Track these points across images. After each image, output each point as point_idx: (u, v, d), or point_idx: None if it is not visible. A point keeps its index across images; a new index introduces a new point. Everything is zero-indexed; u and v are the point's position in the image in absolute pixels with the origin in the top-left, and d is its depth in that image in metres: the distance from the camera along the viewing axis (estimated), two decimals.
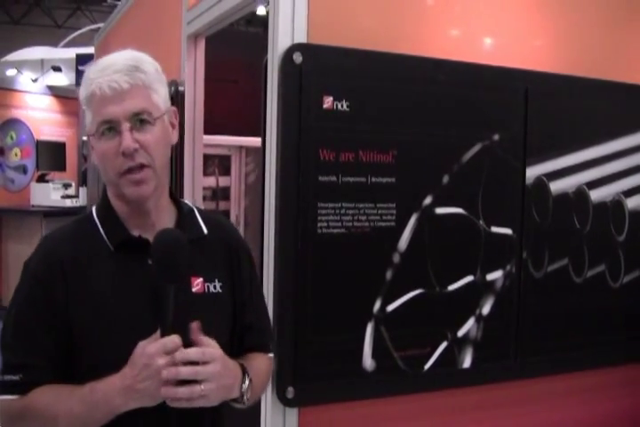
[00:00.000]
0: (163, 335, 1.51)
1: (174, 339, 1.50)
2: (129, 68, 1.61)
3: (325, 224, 2.40)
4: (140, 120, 1.61)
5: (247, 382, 1.65)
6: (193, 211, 1.83)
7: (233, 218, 4.94)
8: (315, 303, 2.41)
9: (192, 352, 1.50)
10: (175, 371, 1.47)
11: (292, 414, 2.43)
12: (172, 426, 1.61)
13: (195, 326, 1.54)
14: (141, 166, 1.61)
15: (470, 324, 2.69)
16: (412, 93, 2.56)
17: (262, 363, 1.84)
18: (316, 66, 2.37)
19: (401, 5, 2.60)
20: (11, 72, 11.10)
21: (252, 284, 1.87)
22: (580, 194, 2.96)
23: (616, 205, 3.07)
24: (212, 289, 1.74)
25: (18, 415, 1.61)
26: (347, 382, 2.49)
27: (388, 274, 2.51)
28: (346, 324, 2.47)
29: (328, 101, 2.39)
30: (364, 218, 2.47)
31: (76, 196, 9.23)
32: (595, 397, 3.12)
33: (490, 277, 2.73)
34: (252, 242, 4.83)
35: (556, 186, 2.89)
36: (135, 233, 1.69)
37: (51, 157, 9.52)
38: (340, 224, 2.42)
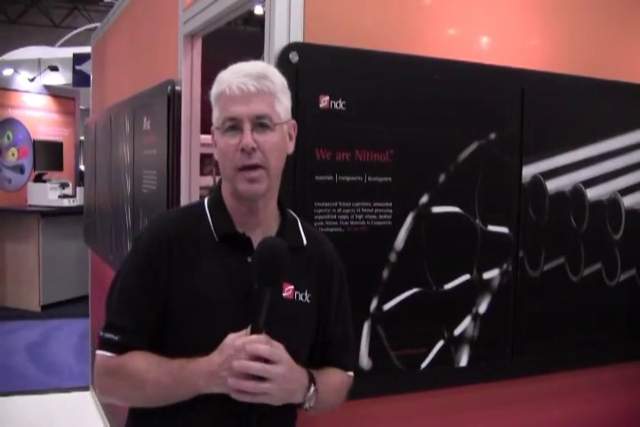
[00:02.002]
0: (253, 333, 1.60)
1: (262, 338, 1.59)
2: (259, 74, 1.74)
3: (322, 223, 2.40)
4: (260, 123, 1.73)
5: (312, 390, 1.73)
6: (296, 221, 1.94)
7: None
8: None
9: (262, 348, 1.58)
10: (246, 364, 1.57)
11: None
12: (251, 411, 1.70)
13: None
14: (256, 166, 1.73)
15: (467, 323, 2.70)
16: (408, 92, 2.56)
17: (336, 378, 1.93)
18: (313, 65, 2.37)
19: (398, 4, 2.60)
20: (7, 71, 11.11)
21: (340, 301, 1.95)
22: (577, 192, 2.97)
23: (612, 203, 3.08)
24: (300, 298, 1.82)
25: (112, 372, 1.74)
26: None
27: (385, 273, 2.51)
28: None
29: (324, 101, 2.40)
30: (360, 217, 2.47)
31: (74, 195, 9.24)
32: (592, 395, 3.13)
33: (486, 275, 2.73)
34: None
35: (553, 184, 2.89)
36: (240, 230, 1.79)
37: (48, 156, 9.52)
38: (336, 223, 2.43)
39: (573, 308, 3.00)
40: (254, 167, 1.73)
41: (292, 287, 1.80)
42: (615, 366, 3.15)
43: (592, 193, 3.01)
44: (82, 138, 9.44)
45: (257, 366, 1.57)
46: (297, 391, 1.69)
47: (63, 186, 9.24)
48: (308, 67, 2.36)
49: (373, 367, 2.52)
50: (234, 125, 1.73)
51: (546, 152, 2.87)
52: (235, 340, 1.61)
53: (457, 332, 2.68)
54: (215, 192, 1.89)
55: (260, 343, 1.58)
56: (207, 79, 3.47)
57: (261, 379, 1.59)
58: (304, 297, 1.83)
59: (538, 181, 2.85)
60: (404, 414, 2.65)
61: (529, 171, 2.82)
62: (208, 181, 4.85)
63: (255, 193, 1.76)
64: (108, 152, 5.05)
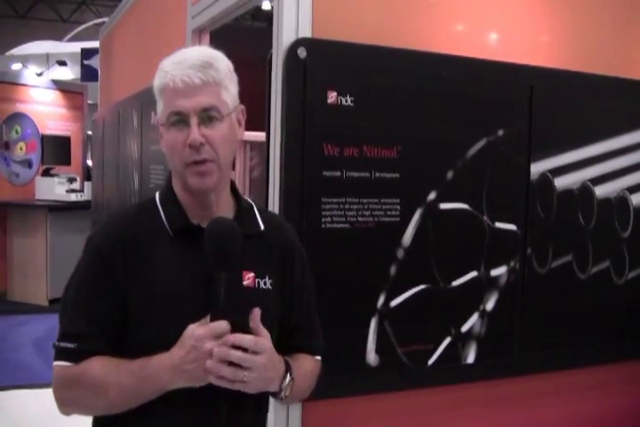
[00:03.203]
0: (212, 320, 1.56)
1: (222, 324, 1.55)
2: (202, 64, 1.67)
3: (329, 219, 2.40)
4: (208, 116, 1.67)
5: (288, 379, 1.69)
6: (252, 207, 1.88)
7: None
8: (318, 299, 2.41)
9: (246, 339, 1.55)
10: (226, 351, 1.53)
11: (296, 409, 2.43)
12: (219, 405, 1.65)
13: (256, 312, 1.60)
14: (205, 160, 1.68)
15: (474, 319, 2.69)
16: (416, 89, 2.56)
17: (308, 364, 1.89)
18: (321, 61, 2.37)
19: (406, 1, 2.60)
20: (16, 66, 11.13)
21: (303, 284, 1.91)
22: (585, 190, 2.96)
23: (620, 201, 3.07)
24: (262, 285, 1.78)
25: (71, 382, 1.68)
26: (350, 377, 2.49)
27: (392, 269, 2.51)
28: (350, 319, 2.48)
29: (332, 96, 2.39)
30: (368, 213, 2.47)
31: (81, 190, 9.24)
32: (598, 393, 3.13)
33: (494, 272, 2.73)
34: None
35: (561, 182, 2.89)
36: (195, 222, 1.75)
37: (56, 151, 9.53)
38: (344, 219, 2.42)
39: (581, 305, 2.99)
40: (204, 161, 1.68)
41: (252, 275, 1.76)
42: (622, 364, 3.14)
43: (600, 191, 3.00)
44: (89, 132, 9.45)
45: (237, 355, 1.54)
46: (274, 380, 1.65)
47: (71, 180, 9.24)
48: (316, 62, 2.36)
49: (381, 363, 2.51)
50: (180, 120, 1.67)
51: (554, 149, 2.86)
52: (194, 330, 1.56)
53: (464, 329, 2.68)
54: (166, 186, 1.85)
55: (216, 333, 1.54)
56: None
57: (241, 367, 1.55)
58: (265, 284, 1.78)
59: (546, 179, 2.84)
60: (411, 410, 2.65)
61: (537, 168, 2.82)
62: None
63: (207, 186, 1.71)
64: (116, 147, 5.06)
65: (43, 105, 9.88)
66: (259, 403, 1.78)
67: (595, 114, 2.99)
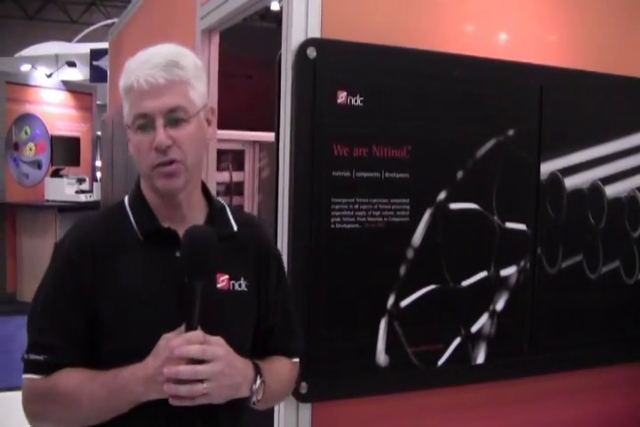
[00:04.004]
0: (187, 330, 1.52)
1: (198, 334, 1.51)
2: (168, 62, 1.61)
3: (339, 219, 2.39)
4: (174, 117, 1.61)
5: (258, 382, 1.64)
6: (224, 208, 1.83)
7: None
8: (328, 299, 2.41)
9: (193, 349, 1.49)
10: (174, 370, 1.47)
11: (306, 410, 2.43)
12: (194, 417, 1.61)
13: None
14: (172, 161, 1.62)
15: (484, 320, 2.69)
16: (426, 88, 2.55)
17: (284, 367, 1.84)
18: (330, 61, 2.37)
19: (415, 0, 2.59)
20: (25, 67, 11.16)
21: (279, 285, 1.86)
22: (595, 190, 2.95)
23: (631, 200, 3.06)
24: (237, 287, 1.73)
25: (41, 396, 1.63)
26: (360, 377, 2.49)
27: (402, 270, 2.51)
28: (359, 319, 2.47)
29: (342, 96, 2.39)
30: (377, 213, 2.46)
31: (90, 191, 9.27)
32: (608, 394, 3.11)
33: (504, 272, 2.72)
34: None
35: (571, 182, 2.88)
36: (165, 225, 1.70)
37: (65, 152, 9.56)
38: (353, 219, 2.42)
39: (591, 305, 2.98)
40: (170, 162, 1.62)
41: (226, 277, 1.71)
42: (633, 365, 3.13)
43: (610, 190, 2.99)
44: (99, 133, 9.47)
45: (187, 371, 1.48)
46: (242, 386, 1.59)
47: (80, 181, 9.26)
48: (326, 62, 2.36)
49: (390, 364, 2.51)
50: (146, 122, 1.61)
51: (564, 149, 2.85)
52: (169, 340, 1.51)
53: (474, 329, 2.67)
54: (135, 189, 1.78)
55: (191, 343, 1.49)
56: (224, 74, 3.49)
57: (200, 379, 1.49)
58: (240, 285, 1.73)
59: (556, 178, 2.84)
60: (420, 411, 2.65)
61: (547, 168, 2.81)
62: (225, 176, 4.86)
63: (174, 188, 1.65)
64: (125, 147, 5.07)
65: (52, 106, 9.91)
66: (234, 408, 1.69)
67: (605, 113, 2.98)
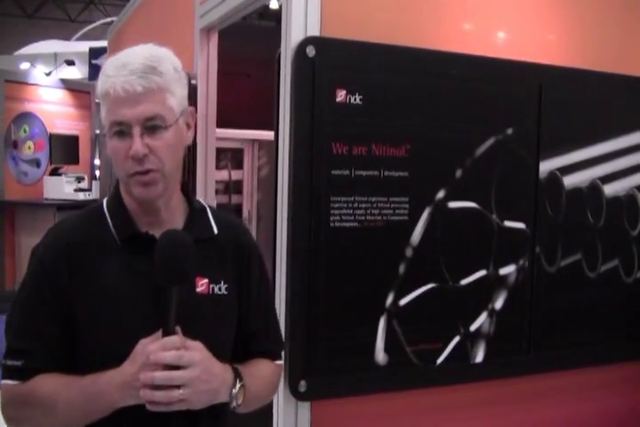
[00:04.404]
0: (164, 335, 1.50)
1: (174, 340, 1.49)
2: (145, 69, 1.57)
3: (338, 218, 2.39)
4: (151, 125, 1.58)
5: (238, 386, 1.62)
6: (205, 210, 1.80)
7: (245, 212, 4.94)
8: (327, 297, 2.41)
9: (168, 355, 1.48)
10: (150, 376, 1.46)
11: (305, 408, 2.43)
12: (171, 421, 1.58)
13: (178, 329, 1.52)
14: (149, 171, 1.59)
15: (483, 318, 2.69)
16: (425, 87, 2.55)
17: (266, 369, 1.82)
18: (329, 59, 2.37)
19: None
20: (24, 66, 11.13)
21: (260, 288, 1.83)
22: (594, 188, 2.95)
23: (630, 199, 3.06)
24: (216, 291, 1.71)
25: (19, 401, 1.61)
26: (359, 376, 2.49)
27: (401, 268, 2.51)
28: (358, 318, 2.48)
29: (341, 95, 2.39)
30: (376, 212, 2.46)
31: (89, 189, 9.26)
32: (608, 392, 3.12)
33: (503, 271, 2.72)
34: (264, 236, 4.83)
35: (570, 180, 2.88)
36: (143, 229, 1.67)
37: (64, 150, 9.55)
38: (352, 218, 2.42)
39: (590, 304, 2.98)
40: (147, 172, 1.58)
41: (206, 281, 1.68)
42: (632, 363, 3.14)
43: (609, 189, 2.99)
44: (97, 131, 9.46)
45: (162, 377, 1.46)
46: (220, 391, 1.57)
47: (79, 179, 9.25)
48: (325, 61, 2.35)
49: (389, 362, 2.51)
50: (122, 130, 1.57)
51: (563, 148, 2.85)
52: (146, 346, 1.49)
53: (473, 327, 2.67)
54: (113, 192, 1.75)
55: (167, 349, 1.47)
56: (223, 73, 3.48)
57: (177, 385, 1.47)
58: (220, 289, 1.70)
59: (555, 177, 2.84)
60: (419, 409, 2.65)
61: (546, 166, 2.81)
62: (224, 174, 4.85)
63: (150, 197, 1.63)
64: None
65: (51, 104, 9.89)
66: (214, 413, 1.66)
67: (604, 112, 2.98)
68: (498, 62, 2.70)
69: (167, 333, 1.50)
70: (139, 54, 1.61)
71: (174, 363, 1.48)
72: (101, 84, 1.59)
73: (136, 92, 1.54)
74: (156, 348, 1.48)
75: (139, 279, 1.63)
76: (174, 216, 1.72)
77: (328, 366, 2.43)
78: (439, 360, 2.62)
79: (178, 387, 1.47)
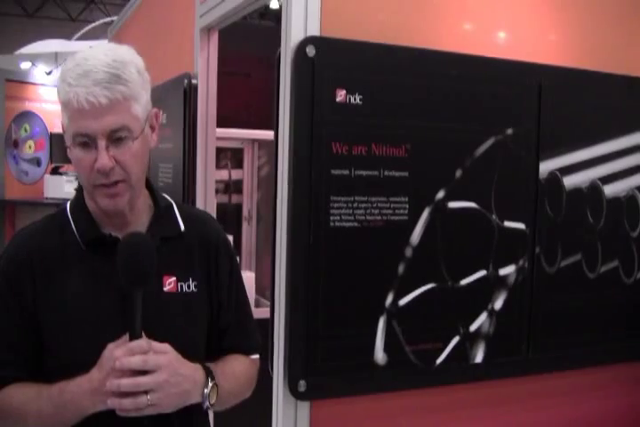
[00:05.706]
0: (131, 339, 1.49)
1: (141, 343, 1.48)
2: (110, 78, 1.51)
3: (338, 218, 2.39)
4: (117, 136, 1.54)
5: (210, 386, 1.60)
6: (172, 206, 1.78)
7: (245, 211, 4.94)
8: (326, 297, 2.41)
9: (133, 361, 1.46)
10: (117, 383, 1.44)
11: (304, 408, 2.43)
12: (143, 420, 1.57)
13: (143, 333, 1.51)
14: (116, 182, 1.57)
15: (482, 319, 2.69)
16: (425, 87, 2.55)
17: (240, 365, 1.81)
18: (329, 59, 2.37)
19: None
20: (25, 65, 11.13)
21: (231, 282, 1.82)
22: (594, 189, 2.95)
23: (630, 200, 3.06)
24: (185, 289, 1.70)
25: None
26: (358, 375, 2.49)
27: (401, 268, 2.51)
28: (358, 318, 2.47)
29: (341, 95, 2.39)
30: (376, 212, 2.46)
31: None
32: (608, 393, 3.11)
33: (502, 271, 2.72)
34: (264, 235, 4.83)
35: (570, 181, 2.88)
36: (108, 232, 1.66)
37: (64, 149, 9.42)
38: (352, 218, 2.42)
39: (590, 305, 2.98)
40: (114, 183, 1.56)
41: (173, 279, 1.67)
42: (632, 364, 3.13)
43: (609, 190, 2.99)
44: None
45: (127, 383, 1.44)
46: (191, 392, 1.56)
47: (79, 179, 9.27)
48: (325, 61, 2.35)
49: (388, 362, 2.51)
50: (86, 142, 1.54)
51: (563, 148, 2.85)
52: (112, 351, 1.48)
53: (472, 328, 2.67)
54: (77, 195, 1.73)
55: (134, 353, 1.46)
56: (223, 73, 3.48)
57: (145, 390, 1.46)
58: (189, 286, 1.69)
59: (555, 177, 2.83)
60: (419, 410, 2.65)
61: (546, 167, 2.81)
62: (224, 174, 4.85)
63: (117, 208, 1.61)
64: None
65: (51, 103, 9.90)
66: (187, 413, 1.65)
67: (604, 112, 2.98)
68: (498, 62, 2.70)
69: (134, 336, 1.49)
70: (101, 60, 1.55)
71: (140, 368, 1.46)
72: (63, 92, 1.54)
73: (101, 104, 1.50)
74: (122, 353, 1.46)
75: (103, 284, 1.61)
76: (139, 217, 1.71)
77: (327, 365, 2.43)
78: (439, 360, 2.62)
79: (146, 392, 1.46)
